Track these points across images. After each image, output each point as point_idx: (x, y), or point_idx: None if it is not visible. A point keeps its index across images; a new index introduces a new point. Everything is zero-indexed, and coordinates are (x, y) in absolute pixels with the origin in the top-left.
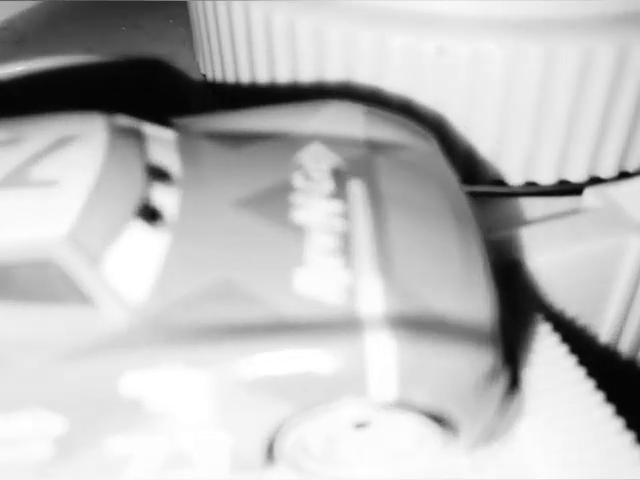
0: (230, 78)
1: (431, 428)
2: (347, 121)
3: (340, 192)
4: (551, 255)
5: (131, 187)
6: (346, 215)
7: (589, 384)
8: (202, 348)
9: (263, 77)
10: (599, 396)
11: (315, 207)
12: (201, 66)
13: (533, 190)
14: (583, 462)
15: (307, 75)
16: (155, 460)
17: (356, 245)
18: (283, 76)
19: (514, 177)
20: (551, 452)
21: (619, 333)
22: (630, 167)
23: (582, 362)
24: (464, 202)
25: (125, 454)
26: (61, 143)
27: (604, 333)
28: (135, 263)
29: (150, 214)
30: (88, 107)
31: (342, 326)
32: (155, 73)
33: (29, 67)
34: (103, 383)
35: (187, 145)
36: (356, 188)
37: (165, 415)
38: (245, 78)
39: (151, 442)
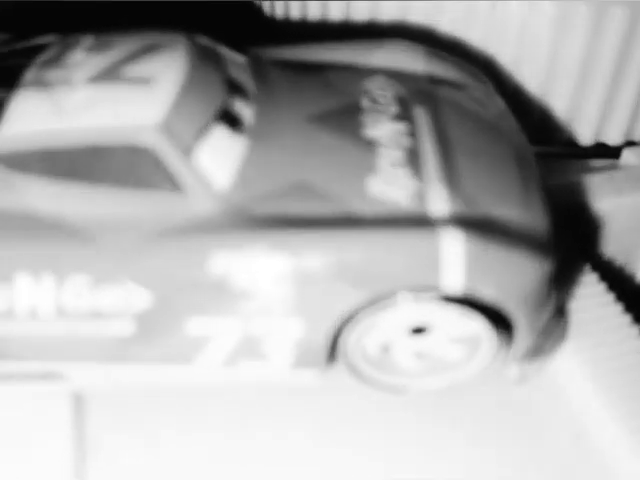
0: (280, 14)
1: (488, 331)
2: (409, 57)
3: (405, 115)
4: (592, 205)
5: (214, 92)
6: (412, 134)
7: (627, 318)
8: (283, 235)
9: (316, 15)
10: (636, 329)
11: (383, 126)
12: None
13: (573, 151)
14: (620, 385)
15: (362, 18)
16: (228, 345)
17: (423, 159)
18: (336, 16)
19: (555, 135)
20: (594, 375)
21: None
22: None
23: (619, 298)
24: (519, 134)
25: (202, 336)
26: (150, 49)
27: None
28: (219, 158)
29: (231, 120)
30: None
31: (414, 223)
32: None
33: None
34: (192, 261)
35: (260, 69)
36: (420, 112)
37: (246, 296)
38: (296, 15)
39: (228, 324)
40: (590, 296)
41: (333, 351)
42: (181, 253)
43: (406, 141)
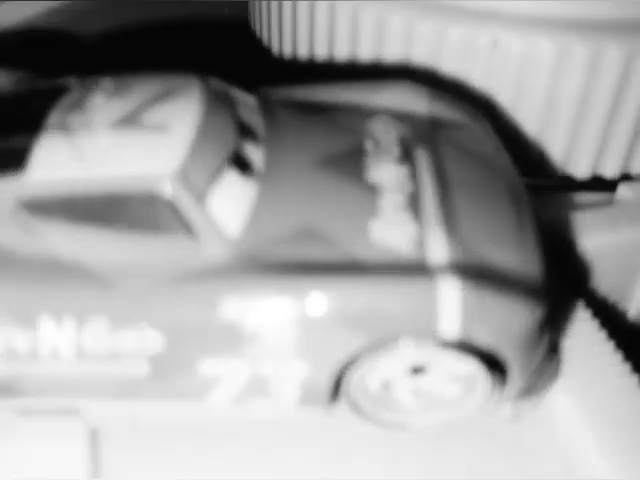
0: (288, 53)
1: (483, 373)
2: (412, 99)
3: (407, 158)
4: (586, 241)
5: (227, 136)
6: (413, 177)
7: (618, 356)
8: (289, 280)
9: (323, 55)
10: (627, 367)
11: (386, 169)
12: (257, 32)
13: (570, 184)
14: (612, 423)
15: (366, 57)
16: (238, 385)
17: (423, 203)
18: (343, 56)
19: (552, 169)
20: (583, 413)
21: None
22: None
23: (611, 336)
24: (516, 176)
25: (213, 377)
26: (166, 95)
27: (632, 311)
28: (231, 204)
29: (242, 164)
30: (177, 65)
31: (414, 270)
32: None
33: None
34: (205, 306)
35: (269, 110)
36: (421, 155)
37: (254, 339)
38: (304, 54)
39: (238, 366)
40: (583, 333)
41: (336, 390)
42: (194, 298)
43: (407, 184)
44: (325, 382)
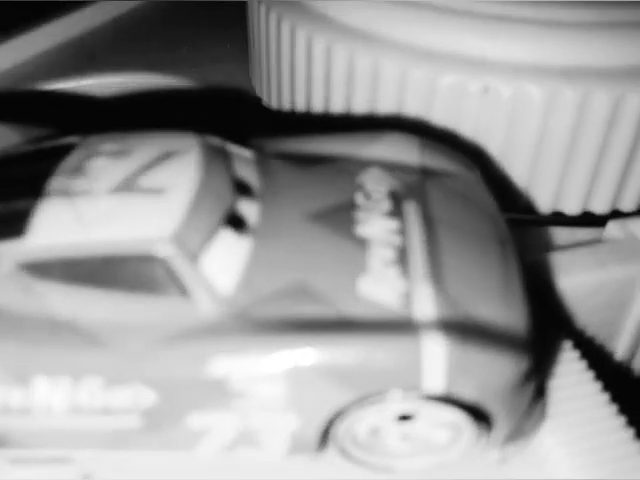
0: (286, 105)
1: (469, 423)
2: (404, 149)
3: (396, 211)
4: (574, 280)
5: (222, 198)
6: (402, 232)
7: (605, 396)
8: (281, 339)
9: (319, 106)
10: (614, 407)
11: (375, 224)
12: (257, 90)
13: (560, 220)
14: (598, 464)
15: (360, 106)
16: (227, 436)
17: (411, 258)
18: (338, 106)
19: (543, 206)
20: (570, 454)
21: (633, 352)
22: None
23: (599, 376)
24: (503, 226)
25: (202, 429)
26: (164, 157)
27: (620, 351)
28: (224, 264)
29: (236, 222)
30: (177, 126)
31: (399, 326)
32: (236, 101)
33: (101, 82)
34: (195, 364)
35: (263, 164)
36: (411, 208)
37: (244, 396)
38: (301, 106)
39: (227, 419)
40: (570, 373)
41: (324, 438)
42: (185, 356)
43: (396, 239)
44: (314, 433)
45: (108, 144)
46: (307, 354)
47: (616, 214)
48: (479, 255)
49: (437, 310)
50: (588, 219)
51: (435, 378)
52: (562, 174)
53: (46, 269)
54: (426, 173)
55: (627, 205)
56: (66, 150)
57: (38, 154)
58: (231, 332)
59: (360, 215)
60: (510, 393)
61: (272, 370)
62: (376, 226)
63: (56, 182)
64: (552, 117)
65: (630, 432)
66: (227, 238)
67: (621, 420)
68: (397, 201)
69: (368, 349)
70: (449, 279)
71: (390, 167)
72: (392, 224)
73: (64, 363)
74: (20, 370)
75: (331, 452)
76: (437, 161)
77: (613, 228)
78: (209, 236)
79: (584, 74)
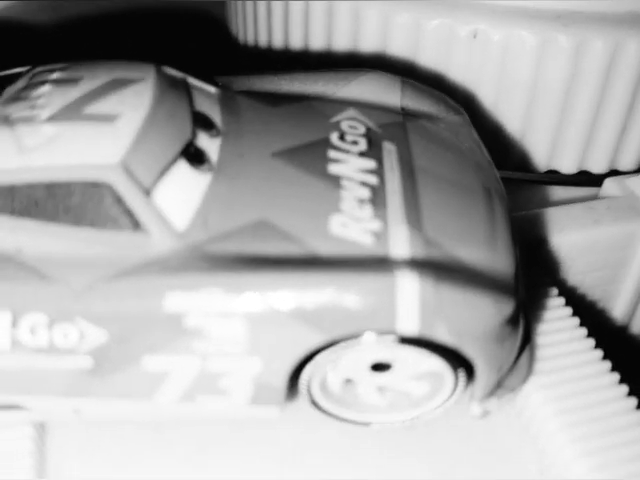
0: (262, 42)
1: (448, 371)
2: (384, 89)
3: (374, 152)
4: (570, 236)
5: (180, 128)
6: (379, 172)
7: (597, 353)
8: (240, 276)
9: (297, 44)
10: (606, 364)
11: (350, 163)
12: (232, 26)
13: (555, 179)
14: (585, 420)
15: (341, 48)
16: (186, 382)
17: (387, 198)
18: (317, 46)
19: (538, 164)
20: (557, 410)
21: (631, 313)
22: None
23: (591, 334)
24: (491, 172)
25: (159, 373)
26: (116, 84)
27: (617, 312)
28: (180, 197)
29: (195, 157)
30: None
31: (373, 265)
32: (207, 34)
33: None
34: (148, 300)
35: (228, 100)
36: (389, 149)
37: (202, 335)
38: (279, 44)
39: (185, 362)
40: (560, 330)
41: (294, 386)
42: (136, 292)
43: (372, 179)
44: (280, 381)
45: (55, 73)
46: (270, 292)
47: (613, 174)
48: (463, 198)
49: (412, 250)
50: (584, 179)
51: (409, 319)
52: (557, 128)
53: None
54: (407, 115)
55: (625, 164)
56: (9, 80)
57: None
58: (186, 268)
59: (334, 154)
60: (491, 339)
61: (231, 308)
62: (350, 165)
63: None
64: (546, 66)
65: (622, 389)
66: (184, 172)
67: (612, 377)
68: (375, 142)
69: (337, 287)
70: (427, 221)
71: (369, 108)
72: (368, 164)
73: (5, 297)
74: None
75: (301, 404)
76: (420, 103)
77: (610, 185)
78: (163, 168)
79: (579, 20)
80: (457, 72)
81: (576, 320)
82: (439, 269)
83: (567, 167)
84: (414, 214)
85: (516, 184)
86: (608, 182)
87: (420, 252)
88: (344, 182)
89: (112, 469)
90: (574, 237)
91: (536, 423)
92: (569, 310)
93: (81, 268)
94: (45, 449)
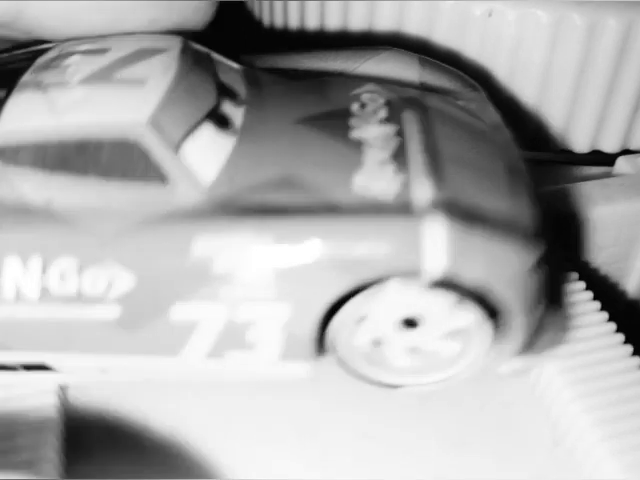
0: (279, 21)
1: (481, 323)
2: (402, 66)
3: (394, 118)
4: (583, 213)
5: (204, 94)
6: (400, 135)
7: (610, 326)
8: (267, 221)
9: (313, 24)
10: (619, 337)
11: (371, 128)
12: (249, 4)
13: (568, 158)
14: (599, 390)
15: (357, 28)
16: (213, 333)
17: (409, 157)
18: (333, 26)
19: (551, 143)
20: (572, 380)
21: None
22: None
23: (604, 308)
24: (513, 147)
25: (187, 323)
26: (143, 53)
27: (630, 288)
28: (206, 155)
29: (219, 119)
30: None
31: (397, 211)
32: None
33: None
34: (175, 244)
35: (251, 74)
36: (409, 116)
37: (230, 282)
38: (295, 24)
39: (212, 310)
40: (576, 303)
41: (322, 344)
42: (165, 238)
43: (393, 141)
44: (309, 331)
45: (84, 44)
46: (296, 238)
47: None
48: (484, 165)
49: (436, 196)
50: (597, 158)
51: (437, 259)
52: (571, 107)
53: (18, 155)
54: (426, 89)
55: (637, 143)
56: (41, 53)
57: (13, 58)
58: (214, 215)
59: (355, 122)
60: (520, 284)
61: (259, 252)
62: (372, 131)
63: (28, 76)
64: (560, 45)
65: (636, 361)
66: (209, 132)
67: (626, 349)
68: (395, 110)
69: (363, 231)
70: (449, 175)
71: (388, 82)
72: (389, 129)
73: (35, 244)
74: None
75: (329, 363)
76: (438, 79)
77: (623, 164)
78: (190, 127)
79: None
80: (472, 51)
81: (589, 294)
82: (465, 213)
83: (580, 146)
84: (437, 170)
85: (529, 163)
86: (621, 160)
87: (444, 199)
88: (365, 145)
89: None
90: (585, 215)
91: (550, 393)
92: (582, 284)
93: (110, 217)
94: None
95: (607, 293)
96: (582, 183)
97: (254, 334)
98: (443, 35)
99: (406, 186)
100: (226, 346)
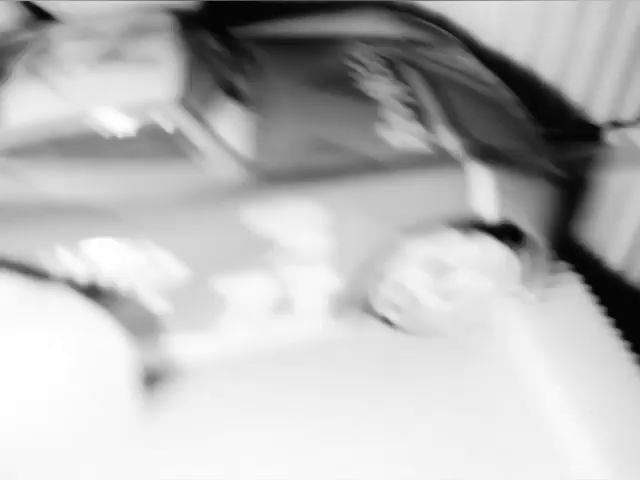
0: None
1: (511, 258)
2: (387, 24)
3: (397, 76)
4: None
5: (216, 68)
6: (409, 92)
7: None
8: (308, 185)
9: None
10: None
11: (379, 85)
12: None
13: (555, 134)
14: (569, 356)
15: None
16: (262, 301)
17: (426, 112)
18: None
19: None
20: (543, 346)
21: (628, 262)
22: None
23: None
24: (503, 89)
25: (238, 293)
26: (138, 31)
27: (611, 260)
28: (233, 127)
29: (235, 93)
30: None
31: (434, 160)
32: None
33: None
34: (219, 220)
35: (242, 47)
36: (410, 72)
37: (274, 247)
38: None
39: (259, 279)
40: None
41: (366, 302)
42: (208, 214)
43: (406, 98)
44: (355, 289)
45: (67, 29)
46: (339, 198)
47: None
48: (487, 105)
49: (462, 144)
50: (585, 133)
51: (485, 205)
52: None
53: (35, 151)
54: (414, 44)
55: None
56: (22, 44)
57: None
58: (254, 185)
59: (361, 80)
60: (548, 222)
61: (303, 217)
62: (380, 87)
63: (20, 67)
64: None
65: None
66: (230, 106)
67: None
68: (394, 68)
69: (412, 185)
70: (467, 123)
71: (375, 41)
72: (396, 85)
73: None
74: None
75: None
76: (423, 34)
77: (610, 136)
78: (212, 103)
79: None
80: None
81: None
82: (498, 158)
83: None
84: (455, 121)
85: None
86: (608, 133)
87: (475, 146)
88: (380, 101)
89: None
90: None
91: (520, 357)
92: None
93: (147, 201)
94: None
95: (589, 267)
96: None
97: (300, 294)
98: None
99: (432, 137)
100: (274, 313)
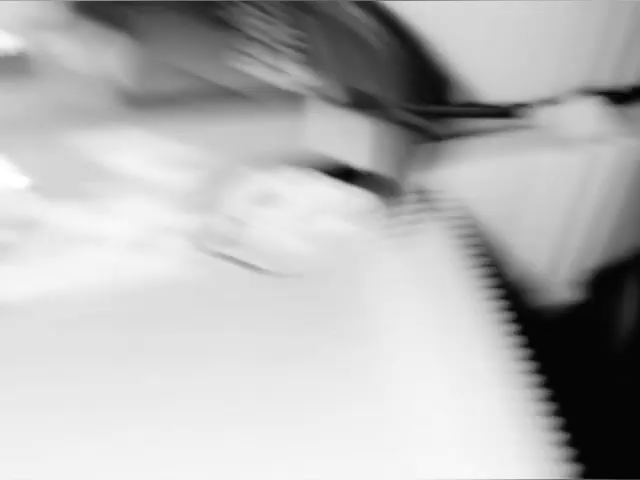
0: None
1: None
2: None
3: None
4: (467, 169)
5: None
6: (297, 34)
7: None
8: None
9: None
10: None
11: (260, 24)
12: None
13: (472, 111)
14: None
15: None
16: (117, 235)
17: (310, 52)
18: None
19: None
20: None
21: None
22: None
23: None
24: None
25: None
26: None
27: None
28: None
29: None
30: None
31: (282, 95)
32: None
33: None
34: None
35: None
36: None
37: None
38: None
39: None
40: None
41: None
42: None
43: (292, 41)
44: (204, 225)
45: None
46: (188, 127)
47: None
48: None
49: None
50: (502, 110)
51: (355, 151)
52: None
53: None
54: None
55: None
56: None
57: None
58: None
59: (228, 8)
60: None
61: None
62: (260, 25)
63: None
64: None
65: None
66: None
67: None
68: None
69: (252, 116)
70: (324, 59)
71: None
72: (287, 27)
73: None
74: None
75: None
76: None
77: (528, 116)
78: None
79: None
80: None
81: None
82: (368, 105)
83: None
84: (312, 58)
85: (431, 119)
86: (526, 112)
87: (346, 92)
88: (237, 28)
89: None
90: (472, 169)
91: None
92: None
93: None
94: None
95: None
96: (484, 136)
97: (157, 235)
98: None
99: (283, 69)
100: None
